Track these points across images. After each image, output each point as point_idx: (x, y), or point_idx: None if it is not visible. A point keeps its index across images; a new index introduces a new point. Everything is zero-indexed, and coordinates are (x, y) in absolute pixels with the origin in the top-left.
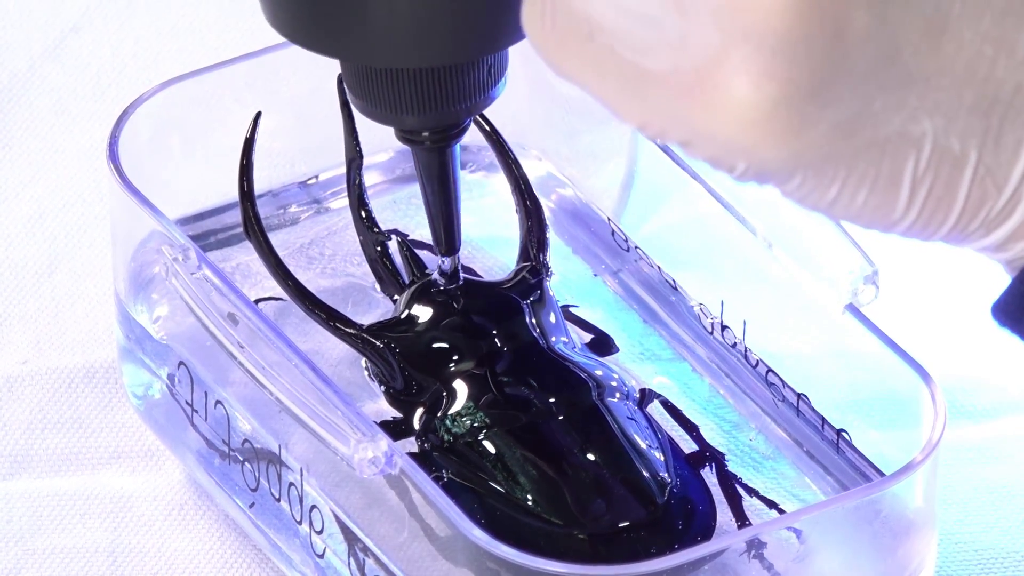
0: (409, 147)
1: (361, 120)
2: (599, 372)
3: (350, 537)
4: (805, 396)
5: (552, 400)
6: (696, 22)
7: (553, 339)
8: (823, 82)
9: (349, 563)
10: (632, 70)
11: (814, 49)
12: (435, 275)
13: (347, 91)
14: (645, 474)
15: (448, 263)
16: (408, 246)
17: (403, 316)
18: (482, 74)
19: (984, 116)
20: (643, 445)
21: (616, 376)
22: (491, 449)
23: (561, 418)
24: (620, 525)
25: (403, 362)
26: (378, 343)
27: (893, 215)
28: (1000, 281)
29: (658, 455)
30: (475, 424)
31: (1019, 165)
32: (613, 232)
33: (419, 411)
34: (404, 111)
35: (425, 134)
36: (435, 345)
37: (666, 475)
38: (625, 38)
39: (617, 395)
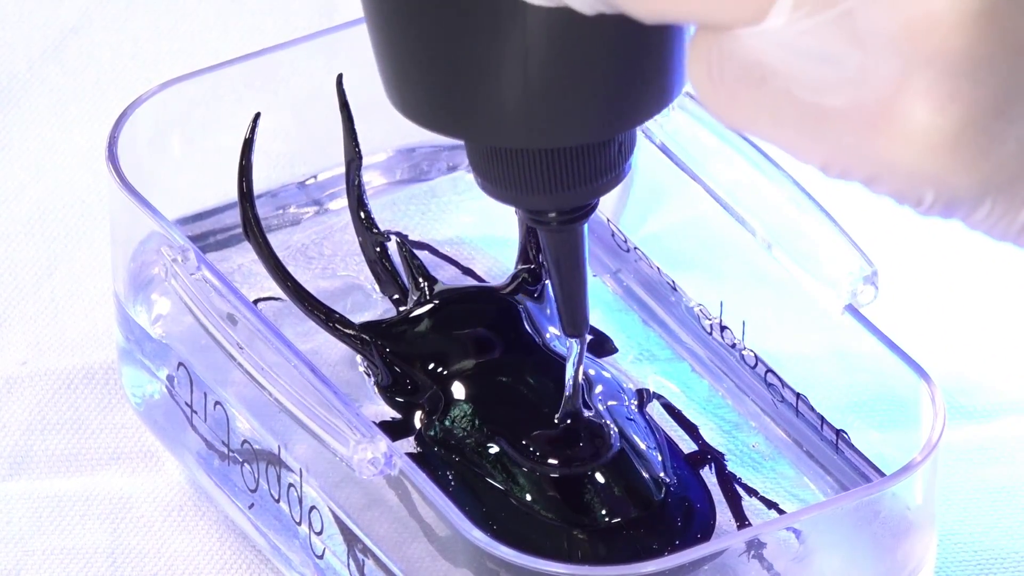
0: (535, 227)
1: (360, 120)
2: (593, 371)
3: (350, 538)
4: (804, 396)
5: (549, 402)
6: (873, 53)
7: (548, 337)
8: (1007, 100)
9: (348, 564)
10: (809, 110)
11: (996, 66)
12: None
13: (473, 171)
14: (643, 474)
15: (578, 347)
16: (407, 247)
17: (401, 317)
18: (613, 152)
19: None
20: (641, 446)
21: (613, 377)
22: (489, 450)
23: (558, 419)
24: (617, 522)
25: (399, 363)
26: (374, 343)
27: None
28: (999, 280)
29: (656, 455)
30: (472, 425)
31: None
32: (612, 233)
33: (418, 412)
34: (532, 192)
35: (552, 215)
36: (431, 346)
37: (663, 475)
38: (800, 78)
39: (614, 398)
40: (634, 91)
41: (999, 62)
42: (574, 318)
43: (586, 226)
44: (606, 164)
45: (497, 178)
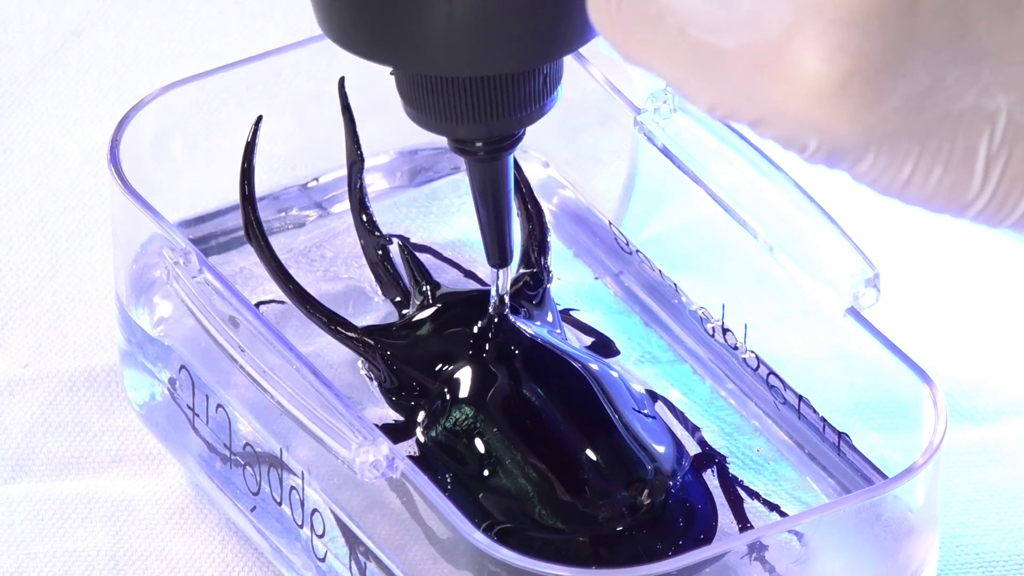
0: (461, 157)
1: (362, 123)
2: (597, 368)
3: (351, 540)
4: (806, 399)
5: (553, 398)
6: None
7: (552, 334)
8: (895, 55)
9: (351, 566)
10: (702, 50)
11: (886, 22)
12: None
13: (402, 101)
14: (651, 469)
15: (503, 279)
16: (409, 249)
17: (402, 320)
18: (538, 83)
19: None
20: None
21: (617, 373)
22: (491, 449)
23: (561, 415)
24: (622, 516)
25: (402, 365)
26: (376, 346)
27: (967, 195)
28: (1001, 283)
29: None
30: (475, 425)
31: None
32: (615, 235)
33: (420, 414)
34: (458, 121)
35: (479, 144)
36: (433, 348)
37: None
38: (695, 17)
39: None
40: (558, 21)
41: (889, 17)
42: (499, 249)
43: (512, 158)
44: (531, 95)
45: (424, 106)
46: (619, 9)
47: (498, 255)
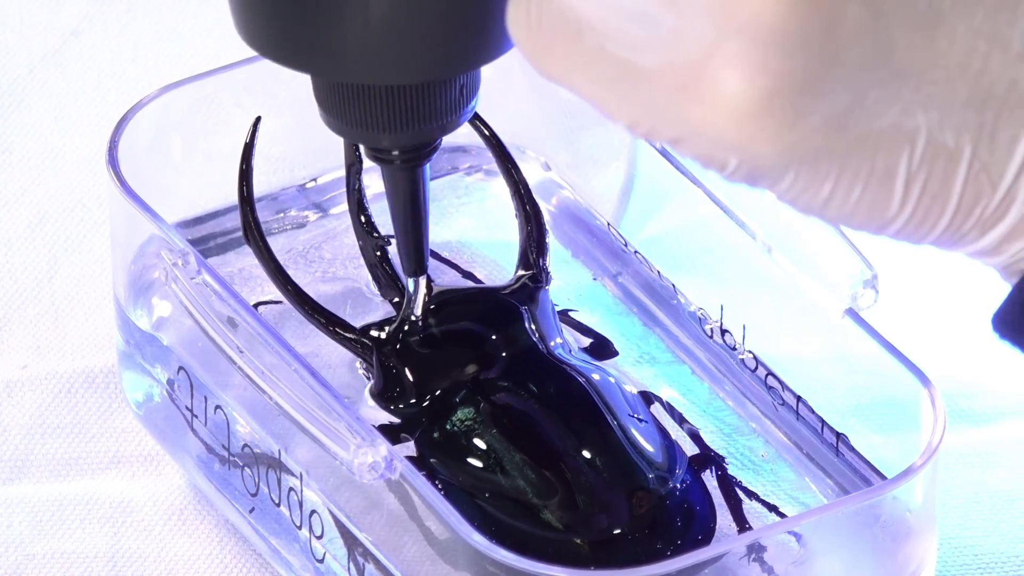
0: (378, 165)
1: None
2: (596, 376)
3: (350, 542)
4: (805, 399)
5: (551, 403)
6: (688, 16)
7: (552, 343)
8: (816, 75)
9: (349, 568)
10: (622, 68)
11: (807, 42)
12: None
13: (318, 107)
14: (649, 475)
15: (415, 287)
16: None
17: (403, 321)
18: (455, 93)
19: (978, 111)
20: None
21: (614, 378)
22: (490, 450)
23: (560, 420)
24: (617, 528)
25: (399, 367)
26: (373, 347)
27: (887, 213)
28: (1000, 289)
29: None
30: (474, 427)
31: (1014, 162)
32: (613, 236)
33: (418, 415)
34: (375, 129)
35: (395, 153)
36: (434, 351)
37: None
38: (615, 35)
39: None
40: (476, 31)
41: (810, 37)
42: (416, 257)
43: (428, 167)
44: (449, 104)
45: (341, 114)
46: (539, 25)
47: (414, 264)
